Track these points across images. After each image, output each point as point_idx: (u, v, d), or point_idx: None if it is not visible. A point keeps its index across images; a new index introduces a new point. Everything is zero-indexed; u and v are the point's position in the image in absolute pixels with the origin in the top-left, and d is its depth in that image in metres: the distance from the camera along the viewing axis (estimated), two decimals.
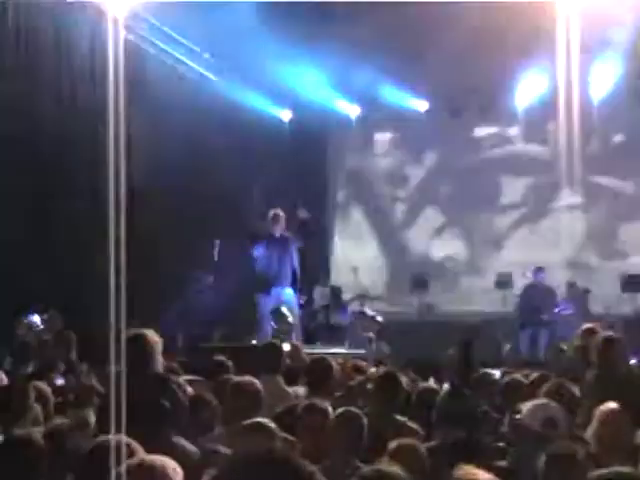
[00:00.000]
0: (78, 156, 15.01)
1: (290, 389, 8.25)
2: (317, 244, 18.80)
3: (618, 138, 19.65)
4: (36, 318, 13.82)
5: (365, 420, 5.80)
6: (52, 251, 14.34)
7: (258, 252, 14.72)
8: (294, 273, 14.84)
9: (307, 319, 16.45)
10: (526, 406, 5.96)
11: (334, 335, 16.40)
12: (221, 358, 9.10)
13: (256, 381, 6.74)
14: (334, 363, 8.22)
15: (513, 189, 20.11)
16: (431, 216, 20.66)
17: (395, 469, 4.28)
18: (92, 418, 6.66)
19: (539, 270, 16.94)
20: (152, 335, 6.61)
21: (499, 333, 16.88)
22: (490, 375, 9.00)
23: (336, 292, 17.79)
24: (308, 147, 20.79)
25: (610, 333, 8.10)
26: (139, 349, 6.45)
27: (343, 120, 20.86)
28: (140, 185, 14.92)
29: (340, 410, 5.94)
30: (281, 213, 14.87)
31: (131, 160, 15.60)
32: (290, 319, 13.69)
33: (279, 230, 14.65)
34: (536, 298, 16.38)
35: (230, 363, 8.74)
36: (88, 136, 14.67)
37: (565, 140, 18.35)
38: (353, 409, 6.01)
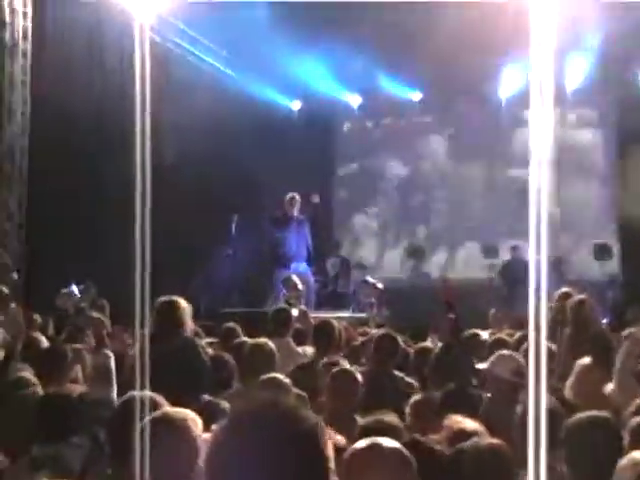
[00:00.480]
0: (111, 141, 15.04)
1: (299, 349, 8.30)
2: (327, 221, 18.89)
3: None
4: (74, 289, 13.90)
5: (358, 377, 5.79)
6: (87, 229, 14.38)
7: (280, 233, 14.96)
8: (308, 250, 15.03)
9: (319, 288, 16.56)
10: (492, 357, 6.00)
11: (341, 301, 16.45)
12: (231, 324, 9.16)
13: (270, 342, 6.78)
14: (339, 326, 8.26)
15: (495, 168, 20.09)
16: (423, 194, 20.61)
17: (393, 418, 4.29)
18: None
19: (515, 248, 17.05)
20: (182, 301, 6.68)
21: (487, 297, 16.93)
22: (478, 335, 9.04)
23: (345, 263, 17.87)
24: (316, 132, 20.73)
25: (582, 296, 8.10)
26: (171, 314, 6.52)
27: (346, 108, 20.90)
28: (166, 167, 15.01)
29: (335, 369, 5.96)
30: (297, 196, 15.02)
31: (159, 145, 15.70)
32: (300, 287, 13.70)
33: (295, 212, 14.80)
34: (514, 273, 16.45)
35: (239, 328, 8.78)
36: (120, 123, 14.71)
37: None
38: (347, 367, 6.02)
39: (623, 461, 2.62)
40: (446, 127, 20.40)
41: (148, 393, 3.39)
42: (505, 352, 6.11)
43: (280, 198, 15.38)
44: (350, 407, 5.52)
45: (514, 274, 16.41)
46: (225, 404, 5.15)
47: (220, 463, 1.81)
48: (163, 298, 6.74)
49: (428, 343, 8.70)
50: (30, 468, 4.47)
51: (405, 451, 2.32)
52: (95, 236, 14.67)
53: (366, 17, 16.34)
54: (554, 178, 18.28)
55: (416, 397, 5.64)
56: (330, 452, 1.88)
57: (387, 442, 2.34)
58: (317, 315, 12.65)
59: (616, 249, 17.78)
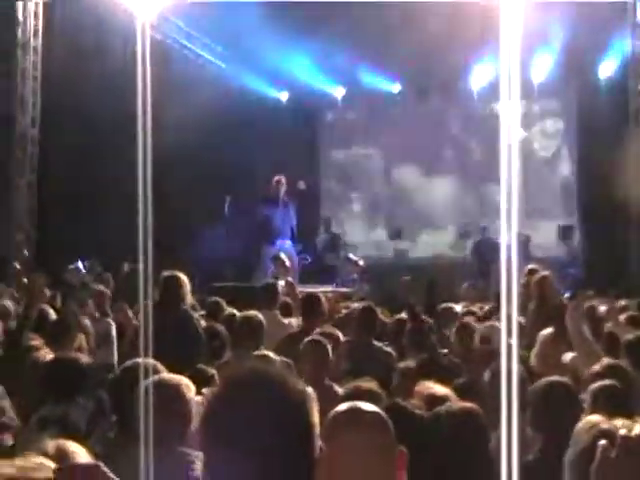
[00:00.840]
0: (116, 128, 15.05)
1: (286, 320, 8.31)
2: (314, 203, 18.98)
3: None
4: (80, 265, 13.92)
5: (328, 347, 5.77)
6: (92, 210, 14.40)
7: (267, 211, 15.01)
8: (292, 229, 15.05)
9: (306, 264, 16.61)
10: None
11: (325, 277, 16.49)
12: (215, 298, 9.18)
13: (259, 314, 6.80)
14: (324, 298, 8.28)
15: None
16: (403, 176, 20.65)
17: (372, 385, 4.30)
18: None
19: (484, 229, 17.16)
20: (183, 277, 6.73)
21: (460, 274, 17.02)
22: (451, 308, 9.09)
23: (335, 238, 17.89)
24: (302, 121, 20.78)
25: (545, 272, 8.16)
26: (174, 288, 6.59)
27: (330, 99, 20.81)
28: (166, 153, 14.98)
29: (308, 338, 5.97)
30: (283, 179, 15.07)
31: (160, 133, 15.69)
32: (287, 263, 13.72)
33: (282, 193, 14.86)
34: (485, 253, 16.57)
35: (223, 302, 8.80)
36: (123, 112, 14.68)
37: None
38: (319, 337, 6.02)
39: (580, 424, 2.63)
40: (423, 117, 20.33)
41: (151, 361, 3.40)
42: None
43: (269, 181, 15.45)
44: (322, 374, 5.53)
45: (484, 252, 16.52)
46: (215, 372, 5.16)
47: (213, 427, 1.82)
48: (167, 273, 6.79)
49: (404, 315, 8.73)
50: (39, 427, 4.48)
51: (383, 414, 2.32)
52: (100, 215, 14.72)
53: (349, 14, 16.34)
54: (522, 165, 18.36)
55: (401, 365, 5.69)
56: (316, 418, 1.88)
57: (366, 406, 2.35)
58: (303, 289, 12.70)
59: (578, 231, 17.87)
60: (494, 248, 16.61)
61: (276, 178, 15.12)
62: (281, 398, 1.81)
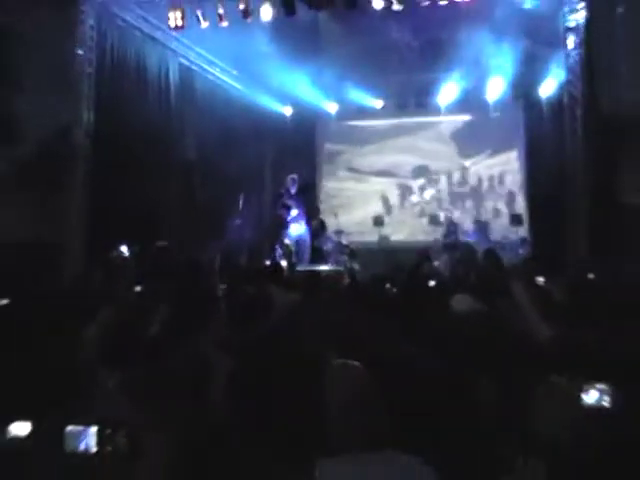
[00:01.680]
0: (156, 134, 15.35)
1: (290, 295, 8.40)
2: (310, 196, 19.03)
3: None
4: (123, 248, 13.98)
5: None
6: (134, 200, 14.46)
7: (286, 202, 15.42)
8: (305, 216, 15.20)
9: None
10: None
11: (321, 257, 16.53)
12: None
13: (267, 289, 6.89)
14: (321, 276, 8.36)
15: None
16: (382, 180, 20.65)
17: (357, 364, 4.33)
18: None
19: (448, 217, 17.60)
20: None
21: (432, 255, 17.11)
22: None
23: (322, 223, 17.90)
24: (303, 132, 20.74)
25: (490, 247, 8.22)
26: (198, 268, 6.69)
27: (326, 114, 20.71)
28: (193, 157, 15.21)
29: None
30: (296, 177, 15.20)
31: (188, 141, 15.98)
32: (292, 248, 13.84)
33: (294, 188, 15.01)
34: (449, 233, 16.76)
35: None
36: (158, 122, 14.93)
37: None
38: None
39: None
40: (402, 129, 20.35)
41: None
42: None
43: (281, 179, 15.56)
44: None
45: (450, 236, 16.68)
46: None
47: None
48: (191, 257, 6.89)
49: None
50: None
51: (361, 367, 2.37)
52: (145, 206, 14.84)
53: (343, 42, 16.39)
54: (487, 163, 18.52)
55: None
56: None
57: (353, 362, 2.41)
58: (306, 268, 12.80)
59: (526, 218, 17.94)
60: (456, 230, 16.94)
61: (290, 177, 15.34)
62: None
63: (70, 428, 1.68)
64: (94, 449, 1.68)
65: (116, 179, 14.08)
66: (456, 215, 18.32)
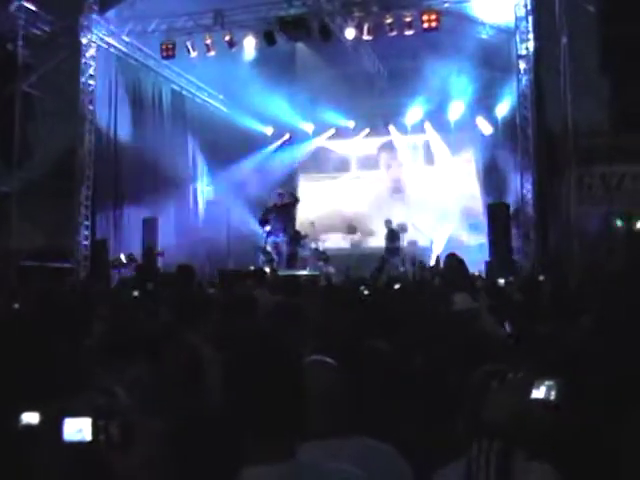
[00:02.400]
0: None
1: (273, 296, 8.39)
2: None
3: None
4: (122, 256, 13.97)
5: None
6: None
7: (268, 215, 15.00)
8: (284, 227, 15.02)
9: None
10: None
11: (299, 263, 16.38)
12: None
13: (252, 292, 6.87)
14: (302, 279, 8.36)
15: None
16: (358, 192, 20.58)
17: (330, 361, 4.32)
18: None
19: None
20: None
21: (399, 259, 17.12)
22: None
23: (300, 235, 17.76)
24: (283, 150, 20.73)
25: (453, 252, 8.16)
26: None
27: (303, 133, 20.71)
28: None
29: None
30: (281, 191, 15.13)
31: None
32: (273, 255, 13.82)
33: (280, 202, 14.91)
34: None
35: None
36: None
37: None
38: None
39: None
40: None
41: None
42: None
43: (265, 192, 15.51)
44: None
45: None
46: None
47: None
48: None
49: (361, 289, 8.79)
50: None
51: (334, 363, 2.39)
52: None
53: (318, 69, 16.47)
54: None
55: None
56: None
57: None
58: (287, 272, 12.77)
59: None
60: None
61: (277, 191, 15.33)
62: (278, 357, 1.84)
63: (68, 419, 1.69)
64: (89, 438, 1.69)
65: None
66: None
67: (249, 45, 14.31)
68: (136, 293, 8.68)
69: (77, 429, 1.68)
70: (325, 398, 2.23)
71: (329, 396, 2.26)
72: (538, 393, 2.13)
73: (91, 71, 14.33)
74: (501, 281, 9.50)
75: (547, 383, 2.16)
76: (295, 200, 15.95)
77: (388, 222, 17.07)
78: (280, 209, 15.00)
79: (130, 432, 1.69)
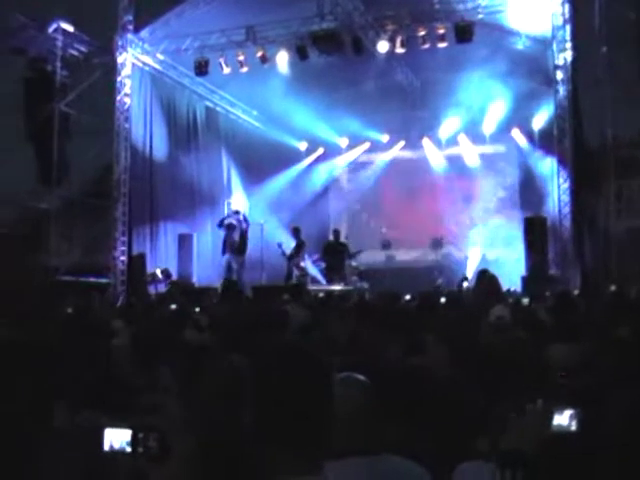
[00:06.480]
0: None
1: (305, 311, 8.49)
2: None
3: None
4: (158, 271, 14.22)
5: None
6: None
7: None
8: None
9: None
10: None
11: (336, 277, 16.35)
12: None
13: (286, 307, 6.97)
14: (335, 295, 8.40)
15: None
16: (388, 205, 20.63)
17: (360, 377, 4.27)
18: None
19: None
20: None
21: (435, 273, 17.12)
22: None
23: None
24: (318, 164, 21.00)
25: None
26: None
27: (337, 148, 20.90)
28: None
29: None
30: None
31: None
32: (307, 271, 13.93)
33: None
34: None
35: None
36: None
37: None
38: None
39: None
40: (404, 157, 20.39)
41: None
42: None
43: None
44: None
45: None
46: None
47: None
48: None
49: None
50: None
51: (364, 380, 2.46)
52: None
53: (351, 80, 16.61)
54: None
55: None
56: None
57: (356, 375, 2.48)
58: (319, 288, 12.86)
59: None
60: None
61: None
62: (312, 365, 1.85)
63: (108, 429, 1.83)
64: (128, 450, 1.83)
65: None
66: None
67: (281, 60, 14.49)
68: (173, 307, 8.91)
69: (117, 440, 1.82)
70: (354, 415, 2.29)
71: (358, 413, 2.32)
72: (559, 422, 2.15)
73: (126, 89, 14.67)
74: (525, 300, 9.36)
75: (568, 412, 2.17)
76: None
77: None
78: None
79: (167, 445, 1.82)
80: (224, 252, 14.59)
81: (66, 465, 1.90)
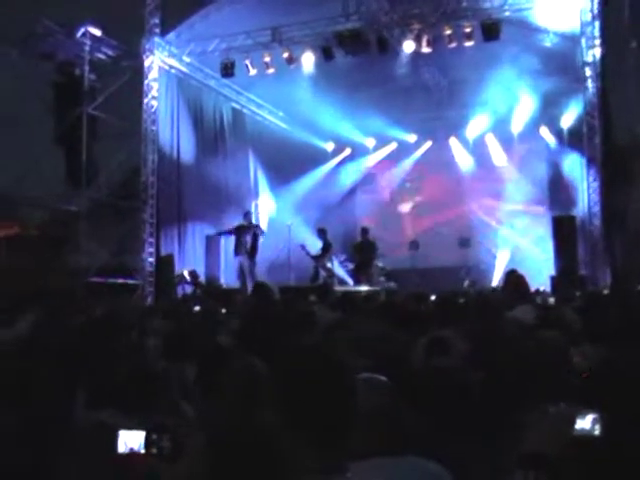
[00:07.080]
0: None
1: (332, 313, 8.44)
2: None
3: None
4: (185, 273, 14.30)
5: None
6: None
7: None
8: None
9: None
10: None
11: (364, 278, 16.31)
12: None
13: (312, 308, 6.95)
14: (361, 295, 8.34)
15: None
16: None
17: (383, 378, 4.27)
18: None
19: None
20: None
21: (462, 273, 17.00)
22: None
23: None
24: (344, 164, 21.03)
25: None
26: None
27: (364, 148, 20.85)
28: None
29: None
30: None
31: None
32: (334, 271, 13.91)
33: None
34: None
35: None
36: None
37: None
38: None
39: None
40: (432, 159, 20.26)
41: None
42: None
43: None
44: None
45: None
46: None
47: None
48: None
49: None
50: None
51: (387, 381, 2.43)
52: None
53: (377, 80, 16.54)
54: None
55: None
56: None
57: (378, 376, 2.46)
58: (346, 289, 12.82)
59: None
60: None
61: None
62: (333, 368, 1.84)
63: (122, 431, 1.83)
64: (142, 450, 1.83)
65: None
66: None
67: (307, 61, 14.50)
68: (197, 308, 8.92)
69: (131, 441, 1.82)
70: (376, 416, 2.27)
71: (380, 414, 2.30)
72: (582, 425, 2.12)
73: (153, 92, 14.81)
74: (551, 300, 9.22)
75: (592, 416, 2.14)
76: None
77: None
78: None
79: (180, 445, 1.82)
80: (236, 254, 14.51)
81: (80, 465, 1.90)
